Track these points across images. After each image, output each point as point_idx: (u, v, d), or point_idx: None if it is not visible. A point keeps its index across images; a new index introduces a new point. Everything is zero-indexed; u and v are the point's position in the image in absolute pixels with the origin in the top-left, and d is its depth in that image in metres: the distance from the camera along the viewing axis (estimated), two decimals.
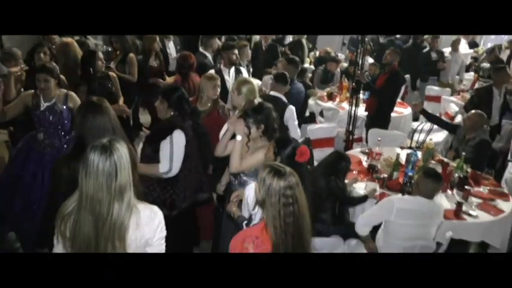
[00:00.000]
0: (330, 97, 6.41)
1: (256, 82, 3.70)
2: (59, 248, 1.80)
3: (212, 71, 4.28)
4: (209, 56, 5.36)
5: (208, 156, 3.16)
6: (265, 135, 2.81)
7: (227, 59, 4.75)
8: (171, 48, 6.47)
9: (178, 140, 2.86)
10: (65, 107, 3.33)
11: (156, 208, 1.95)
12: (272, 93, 4.13)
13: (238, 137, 2.78)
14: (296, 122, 4.06)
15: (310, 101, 6.04)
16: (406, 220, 2.92)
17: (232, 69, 4.80)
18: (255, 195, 2.19)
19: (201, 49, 5.41)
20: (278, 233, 1.84)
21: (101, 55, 4.05)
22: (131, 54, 4.95)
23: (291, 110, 4.01)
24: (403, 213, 2.94)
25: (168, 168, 2.86)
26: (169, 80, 5.08)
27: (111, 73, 4.26)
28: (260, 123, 2.77)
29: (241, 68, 5.04)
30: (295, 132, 4.06)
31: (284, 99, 4.10)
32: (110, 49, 5.34)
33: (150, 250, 1.88)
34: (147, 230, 1.85)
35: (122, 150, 1.76)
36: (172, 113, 2.95)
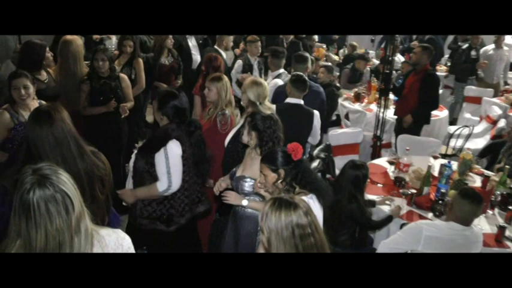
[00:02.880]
0: (358, 98, 5.95)
1: (266, 84, 3.31)
2: None
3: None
4: (223, 53, 5.03)
5: (206, 168, 2.83)
6: (260, 148, 2.51)
7: (251, 53, 4.98)
8: (193, 43, 6.21)
9: (173, 151, 2.57)
10: None
11: (122, 233, 1.64)
12: (291, 100, 3.58)
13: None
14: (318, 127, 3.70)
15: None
16: (436, 250, 2.46)
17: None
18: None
19: (215, 46, 5.12)
20: None
21: (101, 55, 3.76)
22: (139, 59, 4.62)
23: (318, 116, 3.60)
24: (432, 242, 2.48)
25: (167, 185, 2.58)
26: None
27: (121, 74, 3.98)
28: (258, 133, 2.50)
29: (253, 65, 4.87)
30: (315, 137, 3.71)
31: (302, 103, 3.63)
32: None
33: None
34: None
35: (58, 171, 1.44)
36: (163, 119, 2.68)
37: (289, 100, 3.59)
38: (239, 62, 5.21)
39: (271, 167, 2.19)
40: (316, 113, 3.59)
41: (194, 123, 2.75)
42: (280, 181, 2.18)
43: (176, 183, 2.60)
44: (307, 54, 4.20)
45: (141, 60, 4.61)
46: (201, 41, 6.36)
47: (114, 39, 7.04)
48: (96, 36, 6.31)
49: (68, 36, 3.91)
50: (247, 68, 5.15)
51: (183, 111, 2.67)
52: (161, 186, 2.57)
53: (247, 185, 2.54)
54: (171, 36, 5.02)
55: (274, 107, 3.27)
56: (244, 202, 2.43)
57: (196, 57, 5.78)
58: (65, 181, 1.41)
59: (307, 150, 3.74)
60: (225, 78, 3.40)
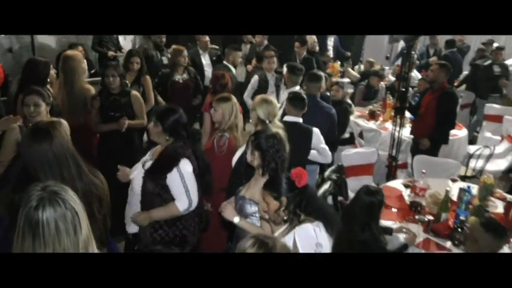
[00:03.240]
0: (372, 116, 5.78)
1: (276, 103, 3.21)
2: None
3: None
4: (233, 69, 4.95)
5: (209, 178, 2.75)
6: (262, 168, 2.40)
7: (267, 68, 5.05)
8: (206, 60, 6.19)
9: (187, 170, 2.54)
10: None
11: None
12: (288, 118, 3.47)
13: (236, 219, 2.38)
14: (325, 146, 3.51)
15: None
16: None
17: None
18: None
19: (224, 62, 5.07)
20: None
21: (112, 71, 3.72)
22: (146, 76, 4.54)
23: (317, 133, 3.46)
24: None
25: (188, 204, 2.56)
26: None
27: (133, 91, 3.90)
28: (261, 152, 2.39)
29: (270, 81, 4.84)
30: (326, 156, 3.55)
31: (301, 121, 3.51)
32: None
33: None
34: None
35: (67, 189, 1.39)
36: (167, 138, 2.59)
37: (287, 118, 3.47)
38: (255, 78, 5.13)
39: (273, 194, 2.06)
40: (315, 130, 3.46)
41: (193, 134, 2.70)
42: (282, 209, 2.05)
43: (195, 199, 2.59)
44: (320, 73, 4.07)
45: (148, 77, 4.54)
46: (214, 58, 6.33)
47: None
48: (111, 53, 6.35)
49: (69, 52, 3.95)
50: (264, 84, 5.08)
51: (184, 126, 2.59)
52: (182, 205, 2.55)
53: (248, 207, 2.43)
54: (185, 54, 4.96)
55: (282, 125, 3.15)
56: (236, 219, 2.34)
57: (209, 73, 5.75)
58: (75, 199, 1.34)
59: (311, 172, 3.56)
60: (233, 99, 3.31)
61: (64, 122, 2.71)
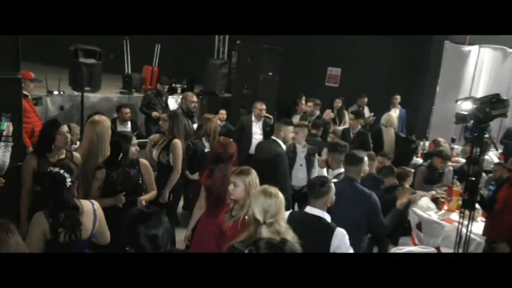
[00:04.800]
0: (436, 203, 4.92)
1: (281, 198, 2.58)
2: None
3: None
4: (282, 144, 4.47)
5: None
6: None
7: (297, 139, 4.69)
8: (258, 129, 5.89)
9: None
10: None
11: None
12: (310, 210, 2.75)
13: None
14: (349, 250, 2.68)
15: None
16: None
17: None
18: None
19: (273, 137, 4.61)
20: None
21: (135, 141, 3.42)
22: (176, 139, 4.16)
23: (341, 235, 2.64)
24: None
25: None
26: None
27: (141, 160, 3.51)
28: None
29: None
30: None
31: (327, 217, 2.74)
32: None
33: None
34: None
35: None
36: None
37: (308, 210, 2.77)
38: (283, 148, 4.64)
39: None
40: (339, 232, 2.63)
41: None
42: None
43: None
44: (362, 155, 3.42)
45: (178, 141, 4.17)
46: (268, 128, 6.01)
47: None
48: (155, 114, 6.28)
49: (96, 117, 3.73)
50: (292, 156, 4.61)
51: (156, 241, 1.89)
52: None
53: None
54: (217, 123, 4.67)
55: (291, 231, 2.36)
56: None
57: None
58: None
59: None
60: (254, 172, 2.82)
61: None
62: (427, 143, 7.53)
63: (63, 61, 5.84)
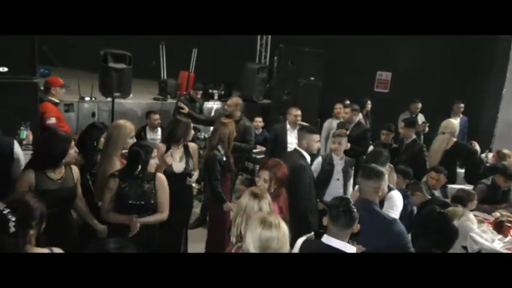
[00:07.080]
0: (500, 228, 4.15)
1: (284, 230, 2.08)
2: None
3: None
4: (306, 154, 3.97)
5: None
6: None
7: (335, 150, 4.30)
8: (294, 138, 5.42)
9: None
10: None
11: None
12: (327, 240, 2.19)
13: None
14: None
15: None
16: None
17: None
18: None
19: (296, 147, 4.18)
20: None
21: (155, 153, 3.07)
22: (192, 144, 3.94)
23: None
24: None
25: None
26: None
27: (158, 174, 3.14)
28: None
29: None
30: None
31: (350, 251, 2.20)
32: None
33: None
34: None
35: None
36: None
37: (325, 240, 2.21)
38: (318, 160, 4.26)
39: None
40: None
41: None
42: None
43: None
44: (381, 169, 2.78)
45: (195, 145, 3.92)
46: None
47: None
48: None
49: (120, 121, 3.48)
50: (329, 169, 4.15)
51: None
52: None
53: None
54: (233, 128, 4.25)
55: None
56: None
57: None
58: None
59: None
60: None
61: None
62: (490, 155, 6.62)
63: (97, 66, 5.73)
